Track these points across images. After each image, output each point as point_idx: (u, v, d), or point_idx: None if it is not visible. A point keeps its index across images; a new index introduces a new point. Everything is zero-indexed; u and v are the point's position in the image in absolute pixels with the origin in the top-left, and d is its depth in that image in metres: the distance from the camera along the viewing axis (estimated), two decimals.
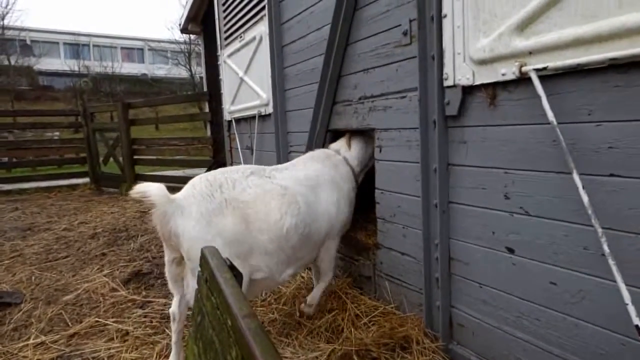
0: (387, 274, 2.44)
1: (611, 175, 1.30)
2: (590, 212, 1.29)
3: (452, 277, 1.97)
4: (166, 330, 2.37)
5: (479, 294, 1.85)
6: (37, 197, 7.24)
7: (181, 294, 2.01)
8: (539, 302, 1.60)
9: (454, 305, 1.99)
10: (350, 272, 2.76)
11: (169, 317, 2.12)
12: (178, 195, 1.88)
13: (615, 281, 1.28)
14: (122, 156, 7.58)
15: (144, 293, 2.86)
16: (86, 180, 8.22)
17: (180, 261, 1.96)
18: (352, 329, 2.22)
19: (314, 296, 2.43)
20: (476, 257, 1.83)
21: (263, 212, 1.98)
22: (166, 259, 1.97)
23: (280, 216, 2.00)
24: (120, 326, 2.43)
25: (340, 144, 2.69)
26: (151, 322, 2.47)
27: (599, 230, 1.28)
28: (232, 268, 0.90)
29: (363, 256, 2.60)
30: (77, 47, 33.61)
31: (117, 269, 3.29)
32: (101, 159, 8.28)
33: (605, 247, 1.27)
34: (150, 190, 1.71)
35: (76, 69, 31.08)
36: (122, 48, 36.65)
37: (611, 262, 1.26)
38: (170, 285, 2.03)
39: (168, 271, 2.00)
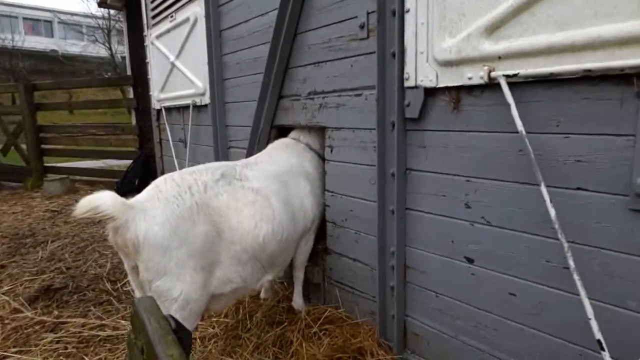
0: (337, 280, 2.32)
1: (578, 188, 1.28)
2: (556, 225, 1.26)
3: (408, 286, 1.91)
4: (85, 358, 2.03)
5: (435, 304, 1.79)
6: None
7: None
8: (497, 312, 1.57)
9: (409, 315, 1.93)
10: None
11: (88, 341, 1.81)
12: (138, 197, 1.66)
13: (576, 294, 1.27)
14: (26, 145, 6.60)
15: (55, 313, 2.43)
16: None
17: None
18: (303, 342, 2.08)
19: (297, 300, 2.41)
20: (434, 266, 1.77)
21: (235, 220, 1.80)
22: (126, 267, 1.74)
23: (254, 224, 1.84)
24: (25, 357, 2.03)
25: (298, 132, 2.54)
26: (66, 348, 2.10)
27: (565, 244, 1.25)
28: (177, 330, 0.69)
29: (312, 261, 2.46)
30: None
31: (21, 285, 2.78)
32: None
33: (571, 262, 1.25)
34: (101, 201, 1.47)
35: None
36: (25, 19, 32.20)
37: (576, 276, 1.24)
38: (137, 294, 1.79)
39: (132, 281, 1.76)
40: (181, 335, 0.69)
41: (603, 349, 1.19)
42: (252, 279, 1.92)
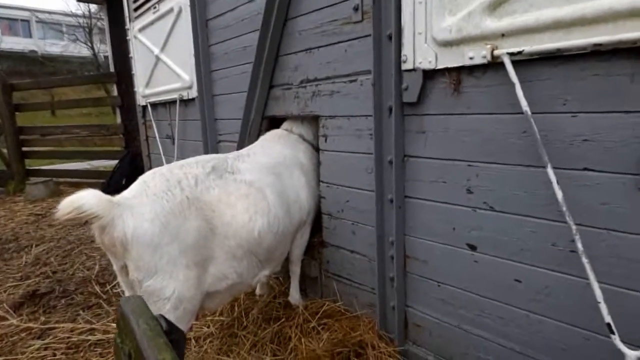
0: (334, 273, 2.26)
1: (585, 169, 1.24)
2: (564, 208, 1.22)
3: (408, 276, 1.86)
4: None
5: (437, 293, 1.75)
6: None
7: None
8: (501, 299, 1.53)
9: (409, 305, 1.88)
10: None
11: (77, 346, 1.72)
12: (125, 194, 1.59)
13: (583, 278, 1.23)
14: (6, 148, 6.37)
15: (42, 319, 2.32)
16: None
17: None
18: (302, 337, 2.02)
19: (294, 295, 2.34)
20: (435, 254, 1.72)
21: (229, 215, 1.72)
22: (115, 267, 1.64)
23: (249, 218, 1.76)
24: None
25: (290, 123, 2.47)
26: (54, 354, 2.01)
27: (573, 227, 1.21)
28: (169, 332, 0.62)
29: (308, 255, 2.39)
30: None
31: (5, 291, 2.65)
32: None
33: (579, 244, 1.21)
34: (84, 200, 1.38)
35: None
36: (0, 18, 31.22)
37: (584, 259, 1.20)
38: (128, 294, 1.69)
39: (121, 281, 1.67)
40: (174, 337, 0.62)
41: (613, 333, 1.15)
42: (249, 275, 1.85)
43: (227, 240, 1.73)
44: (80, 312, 2.37)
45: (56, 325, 2.24)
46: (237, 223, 1.75)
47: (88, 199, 1.40)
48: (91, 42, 24.45)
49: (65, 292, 2.55)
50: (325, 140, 2.17)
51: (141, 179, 1.67)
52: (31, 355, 2.00)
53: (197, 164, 1.81)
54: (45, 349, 2.05)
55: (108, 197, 1.47)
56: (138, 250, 1.50)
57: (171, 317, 1.61)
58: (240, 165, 1.96)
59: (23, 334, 2.18)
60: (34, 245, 3.35)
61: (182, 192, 1.63)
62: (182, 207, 1.60)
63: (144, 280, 1.54)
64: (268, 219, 1.84)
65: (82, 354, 1.99)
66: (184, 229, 1.58)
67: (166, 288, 1.56)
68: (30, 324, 2.26)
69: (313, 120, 2.36)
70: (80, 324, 2.23)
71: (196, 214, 1.64)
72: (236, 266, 1.78)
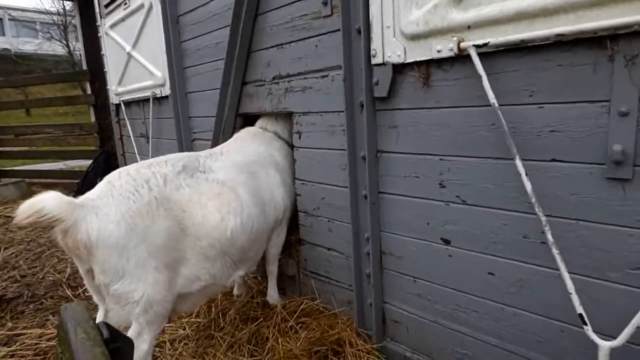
0: (312, 271, 2.24)
1: (553, 160, 1.24)
2: (533, 200, 1.21)
3: (385, 272, 1.84)
4: None
5: (413, 289, 1.74)
6: None
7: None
8: (476, 293, 1.53)
9: (387, 301, 1.87)
10: None
11: (45, 353, 1.65)
12: (89, 195, 1.54)
13: (556, 269, 1.23)
14: None
15: (9, 325, 2.23)
16: None
17: None
18: (279, 337, 1.99)
19: (272, 294, 2.31)
20: (410, 250, 1.71)
21: (200, 215, 1.68)
22: (81, 271, 1.60)
23: (220, 218, 1.72)
24: None
25: (264, 121, 2.42)
26: None
27: (543, 218, 1.20)
28: (112, 339, 0.58)
29: (285, 253, 2.36)
30: None
31: None
32: None
33: (549, 236, 1.20)
34: (44, 203, 1.34)
35: None
36: None
37: (555, 250, 1.20)
38: (95, 298, 1.67)
39: (88, 285, 1.64)
40: (118, 345, 0.58)
41: (585, 323, 1.16)
42: (222, 276, 1.81)
43: (199, 241, 1.69)
44: (50, 317, 2.29)
45: (24, 331, 2.16)
46: (208, 223, 1.71)
47: (48, 201, 1.34)
48: (66, 40, 23.76)
49: (34, 297, 2.46)
50: (300, 137, 2.13)
51: (106, 179, 1.62)
52: None
53: (167, 163, 1.76)
54: (12, 356, 1.96)
55: (70, 198, 1.43)
56: (104, 253, 1.46)
57: (141, 321, 1.57)
58: (212, 164, 1.91)
59: None
60: (2, 249, 3.23)
61: (150, 192, 1.59)
62: (150, 207, 1.56)
63: (111, 284, 1.50)
64: (241, 219, 1.80)
65: None
66: (153, 231, 1.54)
67: (135, 291, 1.52)
68: None
69: (287, 117, 2.32)
70: (49, 329, 2.15)
71: (165, 215, 1.59)
72: (209, 267, 1.74)
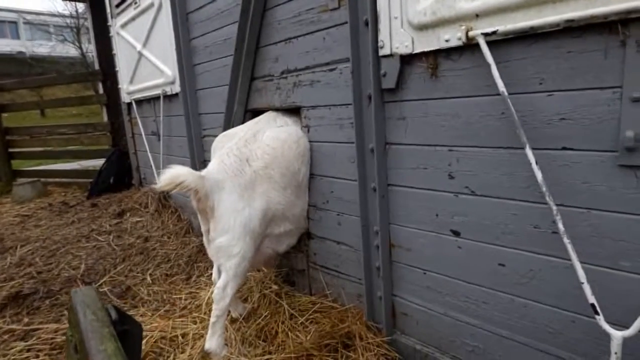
0: (322, 265, 2.24)
1: (564, 148, 1.22)
2: (544, 189, 1.20)
3: (394, 265, 1.84)
4: None
5: (423, 281, 1.73)
6: None
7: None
8: (486, 284, 1.52)
9: (396, 294, 1.86)
10: (280, 265, 2.51)
11: (61, 347, 1.69)
12: (210, 169, 1.97)
13: (567, 259, 1.22)
14: None
15: (26, 320, 2.28)
16: None
17: None
18: (289, 332, 2.00)
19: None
20: (419, 242, 1.71)
21: (284, 166, 2.05)
22: (203, 229, 2.03)
23: (298, 167, 2.11)
24: None
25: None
26: (37, 356, 1.97)
27: (554, 207, 1.19)
28: (121, 321, 0.59)
29: (294, 247, 2.37)
30: None
31: None
32: None
33: (560, 225, 1.19)
34: (180, 173, 1.73)
35: None
36: None
37: (566, 240, 1.19)
38: (209, 251, 2.05)
39: (206, 240, 2.04)
40: (126, 327, 0.59)
41: (597, 313, 1.14)
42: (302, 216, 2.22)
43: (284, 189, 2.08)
44: (65, 312, 2.33)
45: (40, 326, 2.20)
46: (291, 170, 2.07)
47: (183, 172, 1.73)
48: (79, 42, 24.12)
49: (50, 293, 2.51)
50: (308, 131, 2.14)
51: (219, 158, 2.01)
52: (13, 358, 1.96)
53: (255, 138, 2.11)
54: (29, 350, 2.01)
55: (197, 172, 1.84)
56: (219, 212, 1.89)
57: (231, 273, 1.92)
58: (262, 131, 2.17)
59: (5, 336, 2.14)
60: (18, 246, 3.29)
61: (250, 168, 1.98)
62: (252, 180, 1.97)
63: (217, 237, 1.90)
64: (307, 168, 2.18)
65: (65, 354, 1.96)
66: (253, 198, 1.96)
67: (234, 246, 1.90)
68: (13, 326, 2.21)
69: (295, 112, 2.32)
70: (64, 324, 2.19)
71: (261, 181, 1.99)
72: (280, 198, 2.06)
